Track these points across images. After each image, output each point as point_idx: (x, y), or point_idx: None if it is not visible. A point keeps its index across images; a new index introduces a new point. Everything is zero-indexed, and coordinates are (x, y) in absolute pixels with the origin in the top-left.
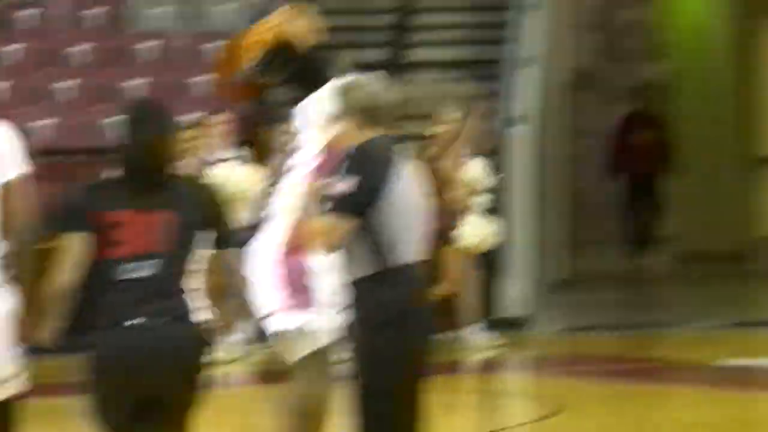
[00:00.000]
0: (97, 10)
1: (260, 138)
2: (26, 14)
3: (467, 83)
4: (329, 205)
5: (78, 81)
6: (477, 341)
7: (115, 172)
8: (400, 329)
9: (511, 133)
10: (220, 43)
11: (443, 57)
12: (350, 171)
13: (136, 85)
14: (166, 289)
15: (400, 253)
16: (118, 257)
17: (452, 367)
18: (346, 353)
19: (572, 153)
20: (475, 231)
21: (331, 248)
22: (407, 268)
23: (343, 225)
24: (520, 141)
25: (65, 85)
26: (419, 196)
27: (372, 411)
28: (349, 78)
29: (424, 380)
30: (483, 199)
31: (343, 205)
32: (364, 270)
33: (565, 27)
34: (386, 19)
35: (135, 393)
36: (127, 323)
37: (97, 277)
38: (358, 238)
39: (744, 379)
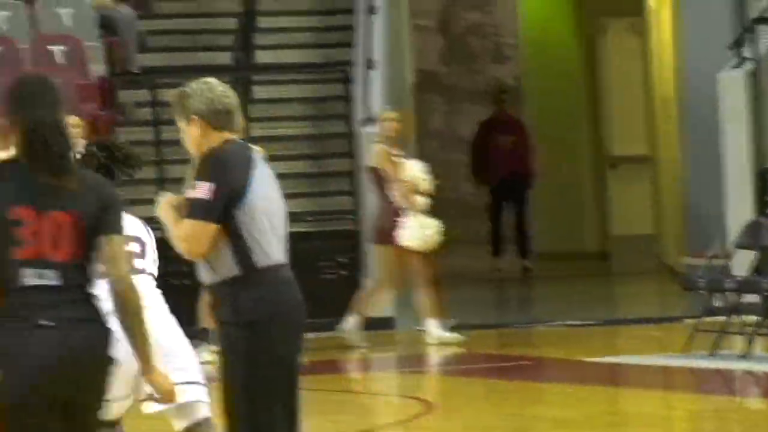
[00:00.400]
0: None
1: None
2: None
3: (316, 86)
4: (188, 211)
5: None
6: (351, 339)
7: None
8: (267, 330)
9: (363, 135)
10: (62, 46)
11: (291, 59)
12: (206, 176)
13: None
14: (71, 297)
15: (264, 254)
16: (21, 260)
17: (324, 366)
18: (213, 355)
19: (421, 153)
20: (418, 230)
21: (194, 254)
22: (272, 268)
23: (202, 231)
24: (373, 142)
25: None
26: (278, 197)
27: (240, 413)
28: (194, 82)
29: (294, 380)
30: (424, 199)
31: (201, 211)
32: (229, 272)
33: (408, 29)
34: (232, 22)
35: (47, 397)
36: (36, 323)
37: None
38: (220, 242)
39: (611, 375)
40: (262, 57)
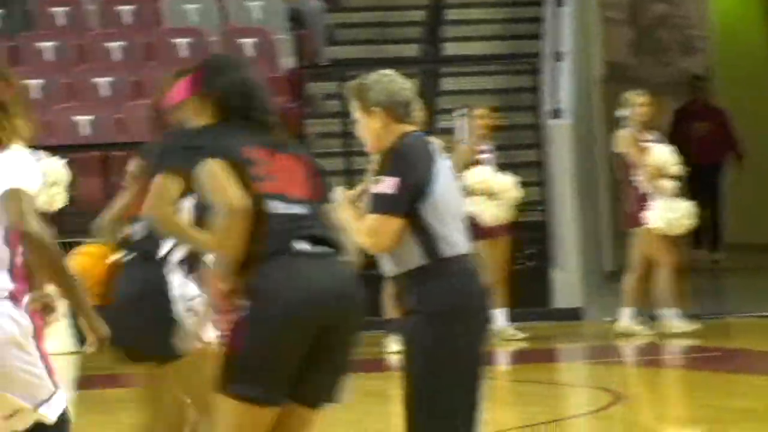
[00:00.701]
0: (131, 6)
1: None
2: (60, 11)
3: (504, 77)
4: (372, 206)
5: (113, 77)
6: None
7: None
8: (451, 320)
9: (552, 126)
10: (252, 39)
11: (479, 51)
12: (390, 171)
13: None
14: (320, 225)
15: (449, 245)
16: (266, 192)
17: (513, 357)
18: (397, 345)
19: (609, 145)
20: (665, 214)
21: (379, 249)
22: (457, 259)
23: (387, 225)
24: (561, 134)
25: (100, 81)
26: (457, 188)
27: (420, 403)
28: (372, 73)
29: (477, 371)
30: (672, 183)
31: (385, 205)
32: (414, 263)
33: (596, 21)
34: (420, 15)
35: (315, 328)
36: (295, 249)
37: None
38: (405, 234)
39: None
40: (450, 49)
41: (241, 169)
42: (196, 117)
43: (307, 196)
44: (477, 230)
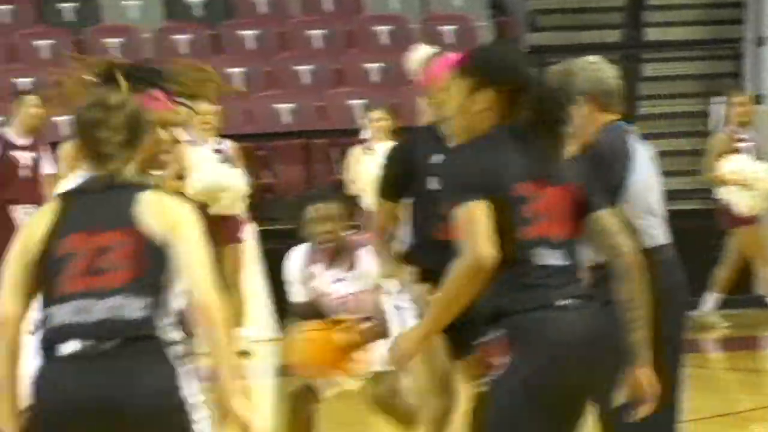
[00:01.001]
0: None
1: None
2: None
3: (706, 63)
4: None
5: (314, 65)
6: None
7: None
8: (655, 309)
9: (758, 112)
10: (452, 26)
11: (680, 36)
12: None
13: (371, 68)
14: (576, 276)
15: (649, 236)
16: (530, 240)
17: (711, 345)
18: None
19: None
20: None
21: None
22: (656, 249)
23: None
24: (763, 120)
25: (301, 69)
26: (656, 176)
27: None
28: (578, 60)
29: (677, 359)
30: None
31: None
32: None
33: None
34: (621, 0)
35: (569, 386)
36: (558, 304)
37: (506, 257)
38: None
39: None
40: (652, 34)
41: (508, 209)
42: (479, 108)
43: (568, 234)
44: (730, 219)
